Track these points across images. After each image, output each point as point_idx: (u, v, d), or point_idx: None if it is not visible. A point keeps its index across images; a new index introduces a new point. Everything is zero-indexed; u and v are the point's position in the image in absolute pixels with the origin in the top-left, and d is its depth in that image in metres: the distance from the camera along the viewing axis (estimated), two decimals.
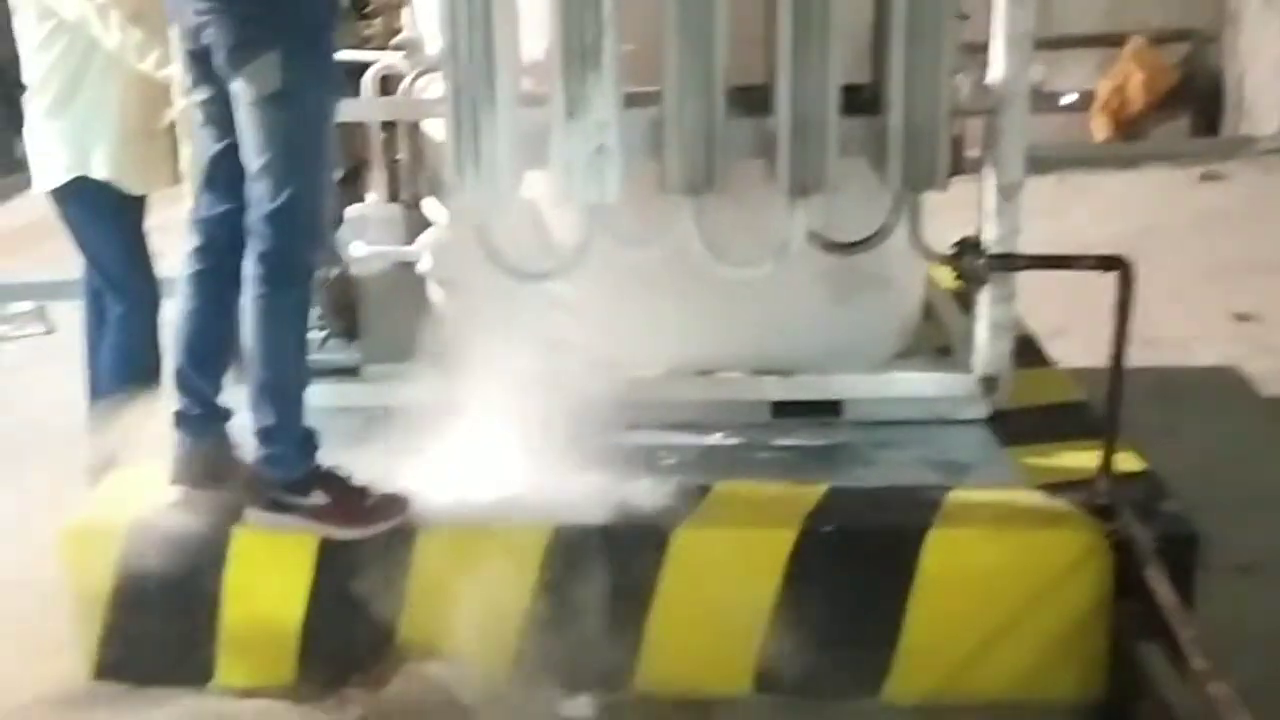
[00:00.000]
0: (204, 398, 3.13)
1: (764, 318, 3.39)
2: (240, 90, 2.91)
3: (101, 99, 4.00)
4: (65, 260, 6.38)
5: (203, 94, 3.05)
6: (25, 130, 4.12)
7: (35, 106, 4.07)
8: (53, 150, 4.05)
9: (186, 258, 3.13)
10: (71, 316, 5.75)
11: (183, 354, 3.13)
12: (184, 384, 3.13)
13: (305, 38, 2.91)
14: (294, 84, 2.88)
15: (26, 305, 5.91)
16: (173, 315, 3.20)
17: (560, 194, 3.09)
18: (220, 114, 3.02)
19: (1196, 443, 4.40)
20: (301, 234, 2.98)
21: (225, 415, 3.15)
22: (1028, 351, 3.75)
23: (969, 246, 3.26)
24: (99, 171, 4.03)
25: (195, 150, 3.17)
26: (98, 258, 4.16)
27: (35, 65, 4.05)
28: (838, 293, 3.41)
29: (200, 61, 3.00)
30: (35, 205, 7.57)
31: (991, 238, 3.26)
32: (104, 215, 4.08)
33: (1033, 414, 3.48)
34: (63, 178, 4.06)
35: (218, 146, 3.06)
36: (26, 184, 8.19)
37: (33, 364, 5.25)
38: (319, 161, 2.99)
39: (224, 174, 3.05)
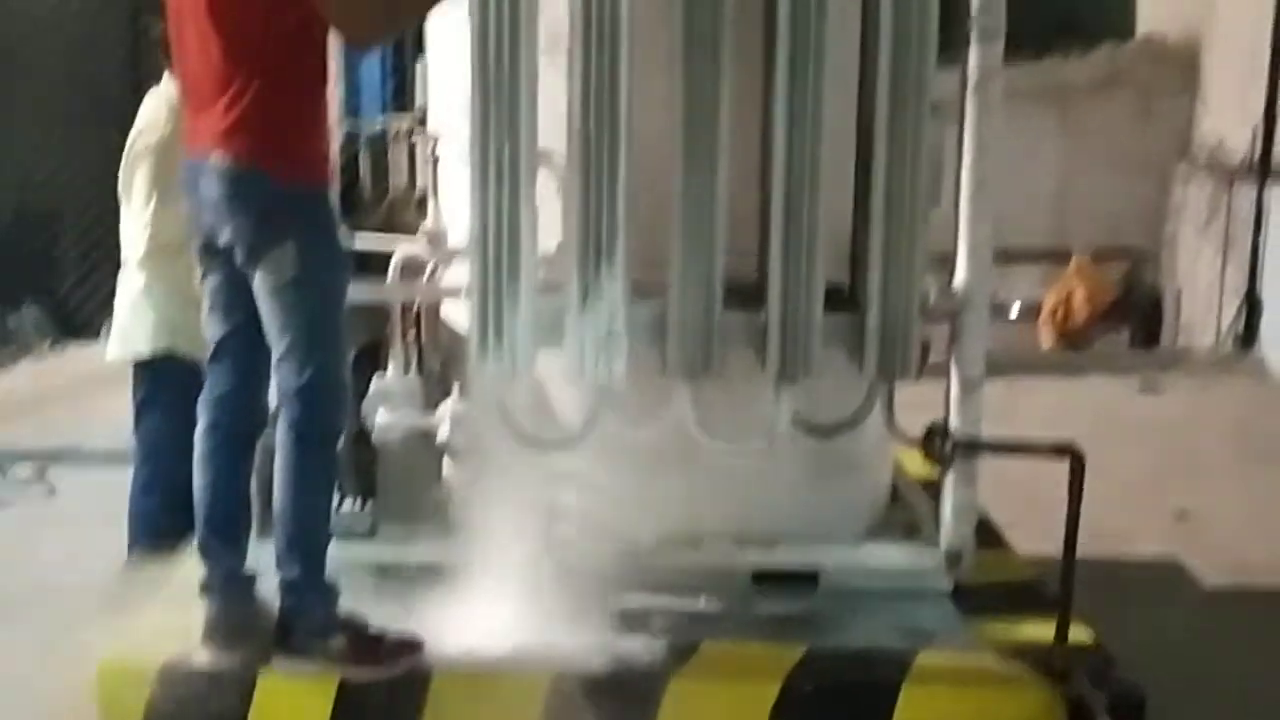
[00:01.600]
0: (227, 565, 3.37)
1: (749, 492, 3.66)
2: (261, 279, 3.22)
3: (186, 284, 4.31)
4: (63, 427, 6.66)
5: (213, 282, 3.36)
6: (118, 300, 4.44)
7: (132, 282, 4.40)
8: (143, 323, 4.36)
9: (199, 436, 3.39)
10: (70, 480, 5.99)
11: (204, 526, 3.38)
12: (207, 553, 3.38)
13: (315, 229, 3.24)
14: (308, 270, 3.19)
15: (27, 469, 6.12)
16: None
17: (572, 373, 3.39)
18: (227, 300, 3.34)
19: (1140, 627, 4.69)
20: (327, 404, 3.27)
21: (250, 580, 3.39)
22: (987, 534, 4.02)
23: (937, 431, 3.60)
24: (182, 348, 4.30)
25: (206, 333, 3.44)
26: (143, 421, 4.41)
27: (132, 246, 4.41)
28: (817, 471, 3.70)
29: (212, 253, 3.32)
30: (28, 376, 7.88)
31: (957, 425, 3.59)
32: (171, 389, 4.29)
33: (992, 589, 3.74)
34: (150, 350, 4.36)
35: (224, 330, 3.36)
36: (18, 355, 8.49)
37: (38, 525, 5.45)
38: (336, 337, 3.29)
39: (230, 355, 3.36)
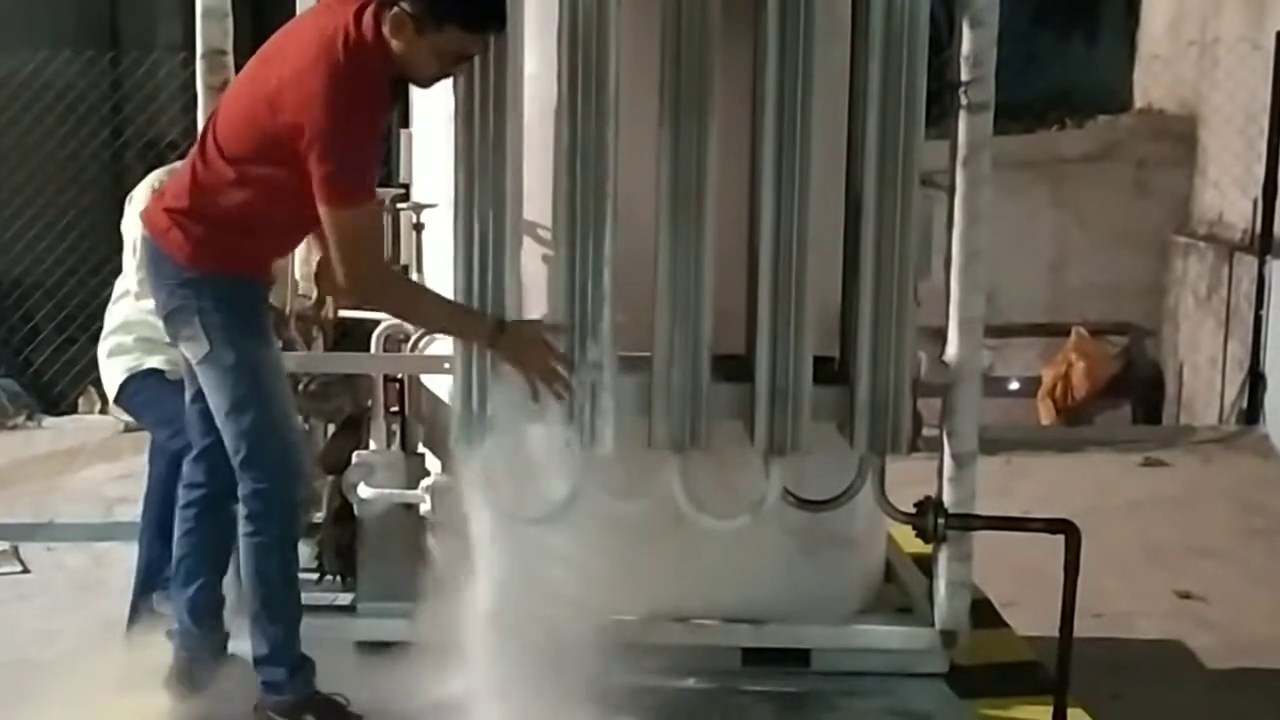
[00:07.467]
0: (180, 616, 3.40)
1: (738, 568, 3.59)
2: (183, 353, 3.27)
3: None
4: (37, 502, 6.58)
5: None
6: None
7: (104, 345, 4.34)
8: (113, 366, 4.29)
9: (181, 490, 3.43)
10: (44, 558, 5.91)
11: (175, 576, 3.42)
12: (173, 602, 3.43)
13: (225, 306, 3.20)
14: (220, 349, 3.19)
15: (1, 545, 6.03)
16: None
17: (557, 446, 3.34)
18: (189, 365, 3.33)
19: (1141, 710, 4.60)
20: (272, 474, 3.24)
21: (202, 633, 3.39)
22: (983, 614, 3.94)
23: (930, 507, 3.53)
24: (155, 363, 4.19)
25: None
26: (170, 421, 4.10)
27: (110, 315, 4.37)
28: (808, 547, 3.63)
29: None
30: (2, 449, 7.78)
31: (950, 500, 3.52)
32: (165, 391, 4.11)
33: (988, 670, 3.67)
34: (123, 377, 4.26)
35: (191, 391, 3.37)
36: None
37: (12, 600, 5.38)
38: (266, 409, 3.24)
39: (199, 413, 3.35)
